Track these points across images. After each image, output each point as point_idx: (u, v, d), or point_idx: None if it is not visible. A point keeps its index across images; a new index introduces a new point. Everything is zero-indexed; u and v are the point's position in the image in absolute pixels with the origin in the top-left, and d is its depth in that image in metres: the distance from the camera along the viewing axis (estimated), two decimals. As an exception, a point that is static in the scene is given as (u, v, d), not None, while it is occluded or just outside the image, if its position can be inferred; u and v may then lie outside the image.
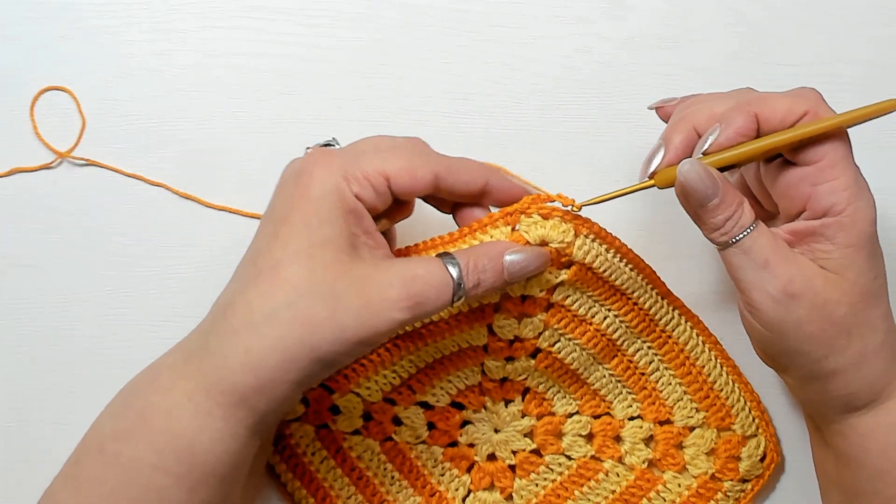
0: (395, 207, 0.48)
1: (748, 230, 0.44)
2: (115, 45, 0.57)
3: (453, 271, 0.43)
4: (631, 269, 0.51)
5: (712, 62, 0.59)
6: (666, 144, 0.46)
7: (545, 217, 0.47)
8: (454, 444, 0.54)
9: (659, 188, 0.47)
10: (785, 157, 0.46)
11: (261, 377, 0.40)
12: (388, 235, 0.50)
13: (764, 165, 0.48)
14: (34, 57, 0.57)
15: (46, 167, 0.57)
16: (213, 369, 0.41)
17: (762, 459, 0.55)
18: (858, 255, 0.44)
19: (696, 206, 0.45)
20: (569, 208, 0.48)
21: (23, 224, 0.56)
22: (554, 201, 0.48)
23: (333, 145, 0.53)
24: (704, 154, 0.45)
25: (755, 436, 0.55)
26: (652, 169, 0.47)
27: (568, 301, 0.50)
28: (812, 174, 0.44)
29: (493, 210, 0.48)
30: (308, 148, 0.52)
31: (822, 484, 0.51)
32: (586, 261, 0.48)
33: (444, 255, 0.44)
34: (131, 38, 0.57)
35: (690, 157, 0.46)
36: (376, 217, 0.47)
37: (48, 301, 0.56)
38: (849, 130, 0.45)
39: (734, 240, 0.45)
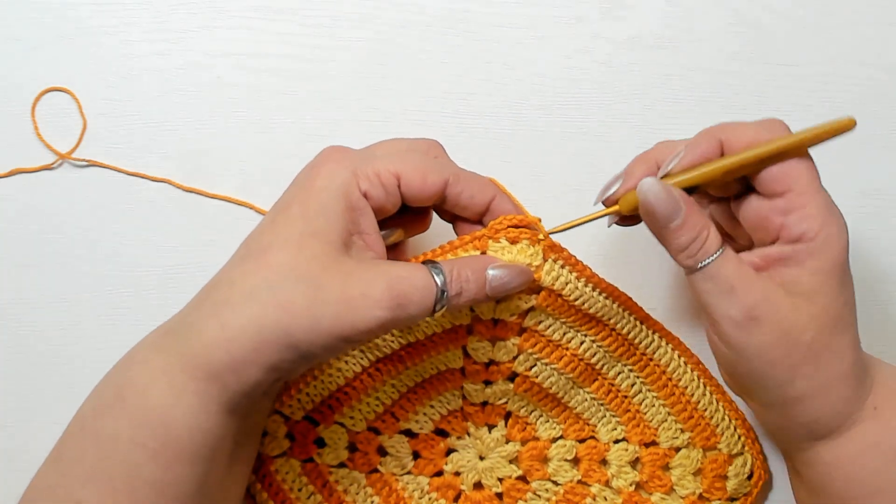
0: (410, 219, 0.48)
1: (714, 255, 0.45)
2: (115, 45, 0.57)
3: (437, 278, 0.44)
4: (605, 298, 0.51)
5: (712, 62, 0.59)
6: (626, 175, 0.47)
7: (513, 242, 0.47)
8: (440, 473, 0.54)
9: (624, 213, 0.47)
10: (756, 192, 0.46)
11: (233, 354, 0.40)
12: (400, 248, 0.50)
13: (735, 203, 0.48)
14: (34, 57, 0.57)
15: (47, 168, 0.57)
16: (189, 343, 0.41)
17: (749, 477, 0.54)
18: (829, 281, 0.44)
19: (658, 226, 0.45)
20: (539, 237, 0.48)
21: (23, 224, 0.56)
22: (523, 224, 0.47)
23: None
24: (667, 175, 0.46)
25: (741, 454, 0.54)
26: (607, 195, 0.47)
27: (541, 326, 0.50)
28: (781, 205, 0.45)
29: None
30: None
31: None
32: (555, 287, 0.48)
33: (428, 263, 0.45)
34: (131, 38, 0.57)
35: None
36: (389, 225, 0.47)
37: (48, 301, 0.56)
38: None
39: (700, 265, 0.45)
